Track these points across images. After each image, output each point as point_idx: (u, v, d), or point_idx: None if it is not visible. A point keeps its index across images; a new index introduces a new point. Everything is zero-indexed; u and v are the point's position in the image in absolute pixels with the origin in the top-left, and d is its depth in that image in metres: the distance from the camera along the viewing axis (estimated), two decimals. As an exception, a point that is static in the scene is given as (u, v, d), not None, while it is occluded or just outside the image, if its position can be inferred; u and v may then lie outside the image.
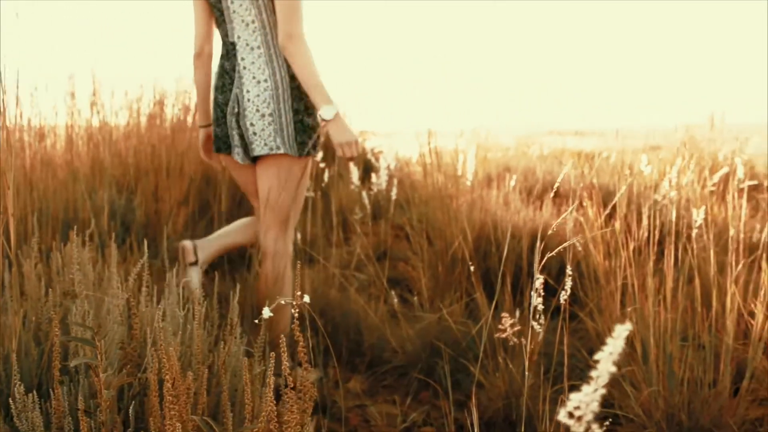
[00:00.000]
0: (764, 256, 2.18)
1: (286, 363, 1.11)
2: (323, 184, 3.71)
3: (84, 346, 1.34)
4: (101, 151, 3.64)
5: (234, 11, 2.09)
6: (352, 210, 3.65)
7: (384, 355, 2.49)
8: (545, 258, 1.23)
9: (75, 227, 1.85)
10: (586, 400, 0.55)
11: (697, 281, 2.15)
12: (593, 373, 0.56)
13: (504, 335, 1.57)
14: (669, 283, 2.07)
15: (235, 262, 3.10)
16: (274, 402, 1.08)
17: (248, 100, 2.09)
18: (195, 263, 2.27)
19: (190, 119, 4.07)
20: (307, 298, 1.24)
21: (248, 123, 2.09)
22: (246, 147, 2.15)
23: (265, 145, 2.10)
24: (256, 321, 1.19)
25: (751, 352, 1.98)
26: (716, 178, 3.46)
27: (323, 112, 2.02)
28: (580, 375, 2.21)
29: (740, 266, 2.16)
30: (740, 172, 3.09)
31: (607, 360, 0.55)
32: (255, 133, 2.09)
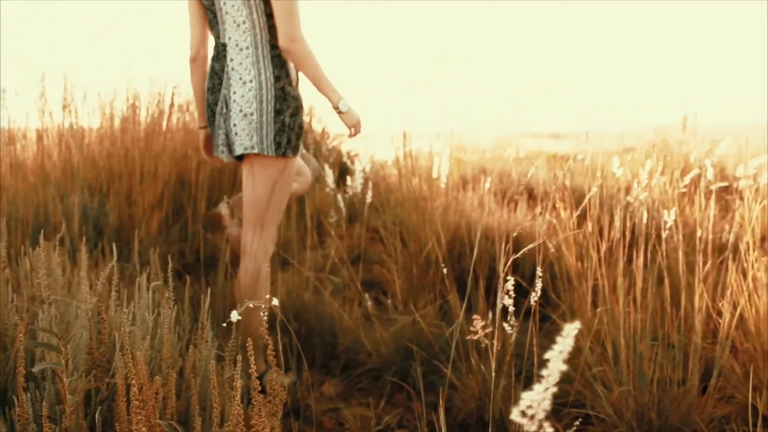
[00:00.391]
0: (731, 256, 2.22)
1: (253, 366, 1.11)
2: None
3: (51, 351, 1.32)
4: (73, 154, 3.59)
5: (227, 12, 2.12)
6: (327, 213, 3.64)
7: (358, 358, 2.49)
8: (511, 259, 1.24)
9: (44, 231, 1.83)
10: (537, 398, 0.55)
11: (666, 282, 2.18)
12: (544, 372, 0.56)
13: (475, 337, 1.58)
14: (639, 284, 2.09)
15: (209, 266, 3.08)
16: (241, 406, 1.08)
17: (234, 101, 2.11)
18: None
19: (164, 122, 4.04)
20: (276, 302, 1.24)
21: (232, 123, 2.12)
22: (230, 146, 2.17)
23: (241, 144, 2.12)
24: (224, 324, 1.18)
25: (719, 351, 2.01)
26: (687, 179, 3.51)
27: (341, 106, 2.13)
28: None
29: (708, 266, 2.20)
30: (710, 174, 3.14)
31: (557, 359, 0.56)
32: (236, 134, 2.12)
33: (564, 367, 0.56)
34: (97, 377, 1.37)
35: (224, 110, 2.15)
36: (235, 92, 2.11)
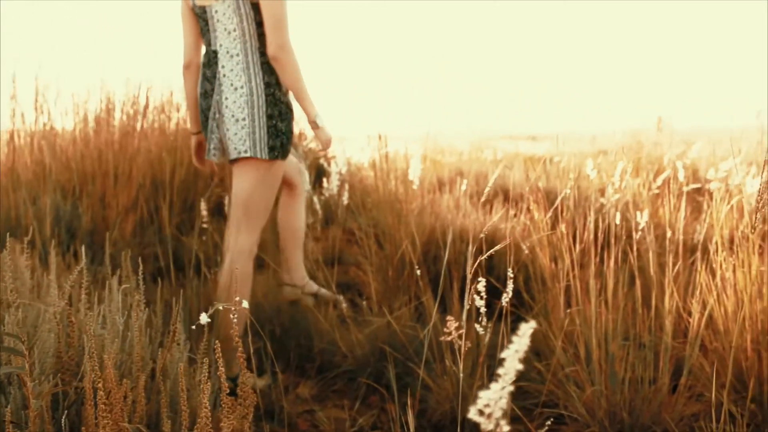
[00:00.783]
0: (700, 257, 2.25)
1: (222, 369, 1.10)
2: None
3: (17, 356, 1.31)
4: (45, 155, 3.55)
5: (218, 20, 2.18)
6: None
7: (334, 360, 2.48)
8: (479, 260, 1.25)
9: (15, 234, 1.81)
10: (494, 397, 0.56)
11: (638, 282, 2.21)
12: (500, 371, 0.57)
13: (449, 338, 1.58)
14: (610, 285, 2.12)
15: (185, 269, 3.05)
16: (209, 408, 1.07)
17: (226, 106, 2.18)
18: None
19: (139, 124, 4.01)
20: (245, 304, 1.23)
21: (225, 128, 2.19)
22: (224, 150, 2.24)
23: (235, 149, 2.19)
24: (193, 327, 1.17)
25: (689, 350, 2.04)
26: (659, 181, 3.56)
27: (318, 120, 2.20)
28: (526, 376, 2.24)
29: (677, 267, 2.23)
30: (681, 176, 3.18)
31: (512, 358, 0.56)
32: (230, 138, 2.18)
33: (520, 366, 0.57)
34: (65, 381, 1.35)
35: (217, 115, 2.21)
36: (227, 98, 2.18)
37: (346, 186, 3.40)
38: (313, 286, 2.73)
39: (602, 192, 3.55)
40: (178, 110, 4.23)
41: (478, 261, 1.18)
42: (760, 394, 1.97)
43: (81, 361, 1.47)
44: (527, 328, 0.56)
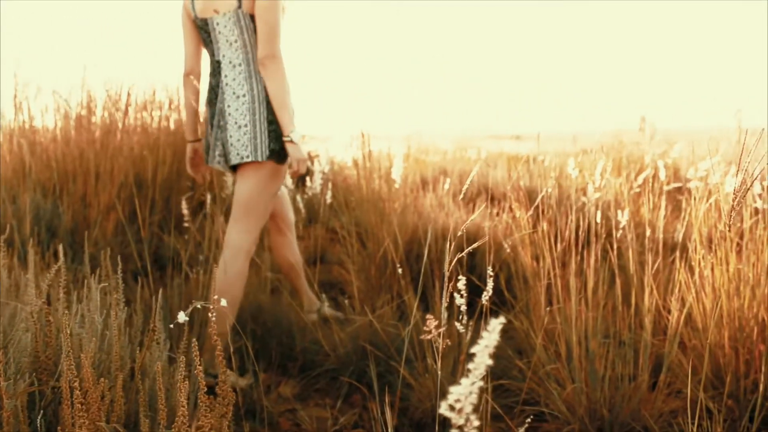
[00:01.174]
0: (679, 255, 2.27)
1: (200, 367, 1.10)
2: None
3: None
4: (25, 153, 3.51)
5: (220, 32, 2.29)
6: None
7: (316, 359, 2.48)
8: (456, 258, 1.25)
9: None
10: (464, 392, 0.56)
11: (618, 281, 2.23)
12: (470, 366, 0.57)
13: (428, 336, 1.59)
14: (590, 283, 2.13)
15: (166, 268, 3.04)
16: (186, 407, 1.07)
17: (229, 114, 2.28)
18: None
19: (121, 122, 3.98)
20: (224, 302, 1.23)
21: (228, 135, 2.28)
22: (226, 156, 2.32)
23: (237, 154, 2.28)
24: (171, 326, 1.17)
25: (668, 347, 2.06)
26: (640, 180, 3.59)
27: (292, 135, 2.24)
28: (507, 374, 2.25)
29: (656, 265, 2.24)
30: (662, 175, 3.21)
31: (482, 353, 0.57)
32: (232, 144, 2.27)
33: (490, 362, 0.57)
34: (42, 381, 1.34)
35: (221, 122, 2.31)
36: (229, 106, 2.28)
37: (330, 185, 3.39)
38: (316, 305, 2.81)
39: (584, 191, 3.57)
40: (160, 109, 4.20)
41: (456, 259, 1.19)
42: (736, 389, 1.99)
43: (59, 360, 1.46)
44: (496, 324, 0.56)
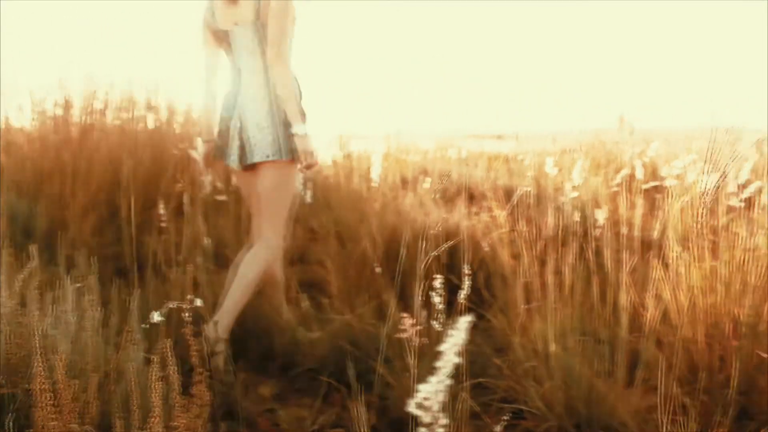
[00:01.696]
0: (655, 252, 2.30)
1: (173, 368, 1.09)
2: (232, 187, 3.65)
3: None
4: (0, 154, 3.47)
5: (239, 41, 2.47)
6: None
7: (295, 359, 2.47)
8: (430, 257, 1.26)
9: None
10: (433, 390, 0.57)
11: (595, 278, 2.24)
12: (438, 364, 0.58)
13: (405, 335, 1.59)
14: (567, 281, 2.15)
15: (145, 269, 3.01)
16: (160, 408, 1.06)
17: (249, 118, 2.45)
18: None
19: (99, 122, 3.94)
20: (199, 302, 1.22)
21: (249, 135, 2.45)
22: (243, 155, 2.47)
23: (260, 153, 2.44)
24: (144, 326, 1.16)
25: (644, 344, 2.08)
26: (618, 179, 3.62)
27: (299, 128, 2.41)
28: (486, 372, 2.26)
29: (633, 262, 2.27)
30: (639, 174, 3.25)
31: (450, 351, 0.57)
32: (255, 144, 2.44)
33: (458, 360, 0.57)
34: (13, 383, 1.33)
35: (239, 125, 2.47)
36: (250, 109, 2.45)
37: (310, 184, 3.39)
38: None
39: (563, 189, 3.60)
40: (146, 109, 4.17)
41: (429, 258, 1.19)
42: (710, 384, 2.02)
43: (32, 362, 1.44)
44: (464, 323, 0.56)
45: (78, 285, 1.66)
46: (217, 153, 2.61)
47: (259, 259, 2.50)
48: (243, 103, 2.47)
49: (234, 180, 3.65)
